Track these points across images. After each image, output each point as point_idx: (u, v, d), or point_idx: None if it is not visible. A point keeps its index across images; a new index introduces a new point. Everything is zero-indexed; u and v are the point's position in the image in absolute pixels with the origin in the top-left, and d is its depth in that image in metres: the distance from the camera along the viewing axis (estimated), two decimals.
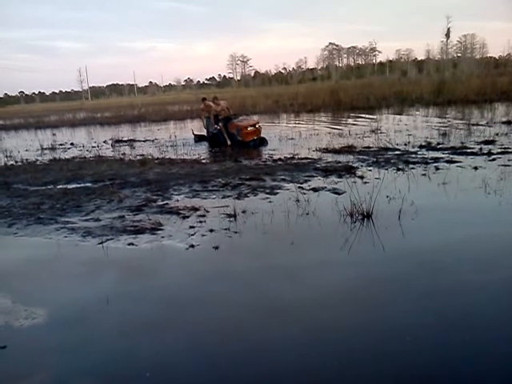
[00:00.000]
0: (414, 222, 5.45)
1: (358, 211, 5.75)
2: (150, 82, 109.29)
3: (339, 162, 9.10)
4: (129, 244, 5.40)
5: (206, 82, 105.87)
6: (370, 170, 8.26)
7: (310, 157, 10.02)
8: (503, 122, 13.36)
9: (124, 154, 13.13)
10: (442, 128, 12.88)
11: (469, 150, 9.33)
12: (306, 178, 8.02)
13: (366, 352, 3.11)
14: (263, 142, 12.87)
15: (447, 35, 58.85)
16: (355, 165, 8.77)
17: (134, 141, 16.54)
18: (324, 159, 9.63)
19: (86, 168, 10.76)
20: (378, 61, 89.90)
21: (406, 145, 10.60)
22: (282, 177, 8.26)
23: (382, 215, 5.70)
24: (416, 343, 3.15)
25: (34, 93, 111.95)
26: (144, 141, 16.40)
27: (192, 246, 5.19)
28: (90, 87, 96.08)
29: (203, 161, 10.97)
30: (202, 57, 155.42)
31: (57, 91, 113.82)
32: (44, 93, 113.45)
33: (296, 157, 10.12)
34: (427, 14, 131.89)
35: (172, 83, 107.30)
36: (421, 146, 10.27)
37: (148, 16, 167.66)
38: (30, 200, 7.87)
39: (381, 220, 5.59)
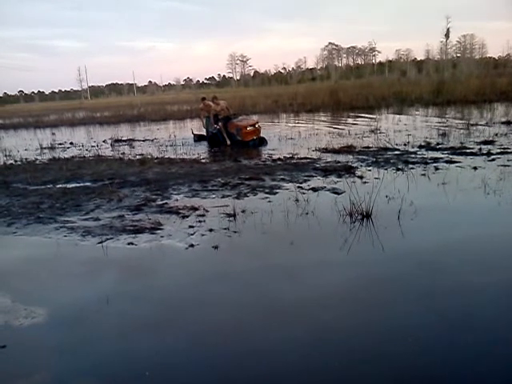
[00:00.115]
0: (413, 222, 5.46)
1: (358, 211, 5.75)
2: (150, 82, 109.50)
3: (339, 162, 9.10)
4: (128, 243, 5.40)
5: (205, 81, 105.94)
6: (370, 170, 8.26)
7: (309, 157, 10.03)
8: (502, 123, 13.37)
9: (123, 153, 13.12)
10: (442, 128, 12.89)
11: (468, 150, 9.34)
12: (306, 178, 8.03)
13: (366, 353, 3.11)
14: (263, 141, 12.86)
15: (447, 35, 58.94)
16: (355, 165, 8.78)
17: (133, 140, 16.52)
18: (323, 159, 9.63)
19: (86, 167, 10.75)
20: (377, 61, 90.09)
21: (405, 145, 10.61)
22: (282, 176, 8.26)
23: (381, 215, 5.70)
24: (416, 344, 3.16)
25: (33, 92, 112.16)
26: (143, 140, 16.38)
27: (191, 245, 5.19)
28: (89, 86, 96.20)
29: (203, 160, 10.97)
30: (202, 56, 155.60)
31: (56, 90, 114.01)
32: (43, 92, 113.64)
33: (295, 156, 10.12)
34: (427, 14, 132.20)
35: (171, 83, 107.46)
36: (420, 146, 10.28)
37: (147, 15, 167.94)
38: (30, 199, 7.86)
39: (380, 220, 5.60)
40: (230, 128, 12.92)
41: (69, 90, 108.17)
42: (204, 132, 14.63)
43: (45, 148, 15.70)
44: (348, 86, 34.52)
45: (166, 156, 11.82)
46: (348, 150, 10.47)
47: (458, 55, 69.06)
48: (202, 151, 12.65)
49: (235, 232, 5.57)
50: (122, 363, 3.25)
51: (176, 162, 10.73)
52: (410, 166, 8.35)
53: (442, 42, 62.78)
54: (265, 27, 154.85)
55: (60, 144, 16.91)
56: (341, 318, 3.60)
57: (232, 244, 5.26)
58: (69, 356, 3.34)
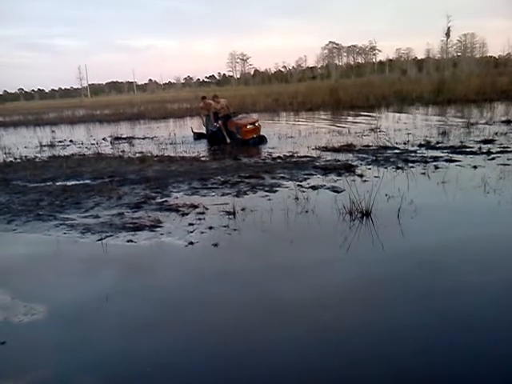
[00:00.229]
0: (413, 220, 5.46)
1: (357, 209, 5.75)
2: (150, 80, 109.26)
3: (338, 161, 9.10)
4: (128, 241, 5.40)
5: (205, 80, 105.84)
6: (370, 169, 8.26)
7: (309, 155, 10.02)
8: (503, 122, 13.36)
9: (123, 151, 13.11)
10: (442, 127, 12.88)
11: (468, 149, 9.34)
12: (306, 176, 8.03)
13: (366, 352, 3.10)
14: (262, 140, 12.86)
15: (447, 34, 58.74)
16: (354, 163, 8.78)
17: (133, 138, 16.52)
18: (323, 157, 9.63)
19: (85, 165, 10.75)
20: (377, 60, 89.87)
21: (405, 143, 10.60)
22: (282, 175, 8.26)
23: (381, 214, 5.70)
24: (416, 344, 3.16)
25: (33, 90, 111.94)
26: (143, 138, 16.38)
27: (191, 243, 5.19)
28: (89, 84, 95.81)
29: (202, 158, 10.96)
30: (202, 55, 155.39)
31: (56, 88, 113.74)
32: (43, 90, 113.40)
33: (295, 155, 10.12)
34: (427, 13, 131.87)
35: (171, 81, 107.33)
36: (420, 145, 10.28)
37: (147, 13, 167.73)
38: (29, 197, 7.86)
39: (380, 218, 5.59)
40: (230, 126, 12.92)
41: (69, 88, 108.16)
42: (204, 130, 14.63)
43: (44, 146, 15.70)
44: (348, 84, 34.52)
45: (166, 154, 11.82)
46: (348, 148, 10.46)
47: (459, 54, 68.97)
48: (201, 149, 12.65)
49: (235, 230, 5.57)
50: (121, 360, 3.25)
51: (176, 160, 10.73)
52: (410, 164, 8.35)
53: (442, 40, 62.56)
54: (265, 26, 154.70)
55: (60, 142, 16.91)
56: (341, 317, 3.59)
57: (232, 242, 5.26)
58: (68, 353, 3.34)
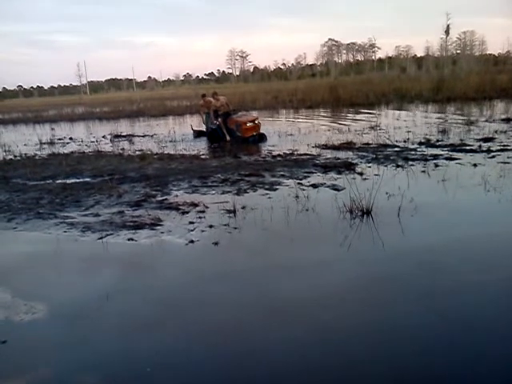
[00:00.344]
0: (413, 218, 5.46)
1: (358, 208, 5.75)
2: (149, 77, 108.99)
3: (338, 159, 9.10)
4: (128, 239, 5.40)
5: (205, 77, 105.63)
6: (370, 167, 8.26)
7: (309, 153, 10.02)
8: (502, 120, 13.36)
9: (123, 149, 13.10)
10: (442, 125, 12.88)
11: (468, 147, 9.33)
12: (306, 174, 8.02)
13: (366, 353, 3.11)
14: (262, 137, 12.85)
15: (447, 32, 58.63)
16: (354, 161, 8.78)
17: (132, 136, 16.50)
18: (323, 155, 9.63)
19: (85, 163, 10.74)
20: (377, 57, 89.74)
21: (405, 141, 10.59)
22: (282, 173, 8.26)
23: (381, 212, 5.70)
24: (416, 344, 3.17)
25: (32, 87, 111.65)
26: (143, 136, 16.37)
27: (192, 241, 5.19)
28: (88, 82, 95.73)
29: (202, 156, 10.96)
30: (201, 52, 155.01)
31: (55, 85, 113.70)
32: (42, 87, 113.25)
33: (295, 153, 10.12)
34: (427, 10, 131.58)
35: (171, 78, 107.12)
36: (420, 143, 10.27)
37: (147, 10, 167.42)
38: (29, 195, 7.86)
39: (380, 217, 5.60)
40: (230, 124, 12.92)
41: (68, 85, 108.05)
42: (204, 128, 14.61)
43: (44, 143, 15.68)
44: (348, 82, 34.46)
45: (166, 152, 11.81)
46: (348, 146, 10.46)
47: (458, 52, 68.90)
48: (201, 147, 12.64)
49: (235, 228, 5.57)
50: (121, 360, 3.26)
51: (176, 157, 10.73)
52: (410, 162, 8.35)
53: (441, 38, 62.43)
54: (265, 23, 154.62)
55: (59, 139, 16.90)
56: (341, 317, 3.59)
57: (232, 240, 5.26)
58: (68, 352, 3.34)
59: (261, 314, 3.71)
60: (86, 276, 4.67)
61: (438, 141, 10.41)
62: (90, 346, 3.42)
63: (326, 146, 10.66)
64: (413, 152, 9.29)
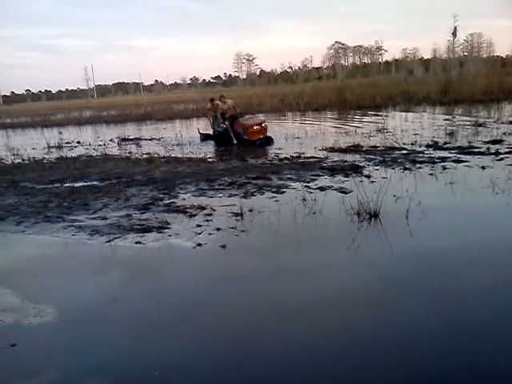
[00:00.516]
0: (421, 221, 5.43)
1: (365, 210, 5.73)
2: (156, 81, 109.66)
3: (346, 161, 9.08)
4: (136, 242, 5.41)
5: (211, 80, 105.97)
6: (377, 170, 8.24)
7: (316, 156, 10.01)
8: (511, 122, 13.26)
9: (130, 152, 13.16)
10: (449, 127, 12.82)
11: (476, 150, 9.28)
12: (313, 177, 8.01)
13: (377, 356, 3.10)
14: (269, 140, 12.85)
15: (454, 34, 58.62)
16: (362, 164, 8.76)
17: (140, 139, 16.57)
18: (330, 158, 9.61)
19: (93, 166, 10.80)
20: (383, 60, 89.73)
21: (412, 144, 10.56)
22: (289, 176, 8.25)
23: (389, 215, 5.68)
24: (427, 347, 3.15)
25: (40, 91, 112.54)
26: (150, 139, 16.42)
27: (199, 244, 5.20)
28: (95, 85, 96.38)
29: (209, 159, 10.98)
30: (208, 55, 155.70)
31: (63, 89, 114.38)
32: (50, 91, 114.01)
33: (302, 156, 10.11)
34: (434, 12, 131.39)
35: (178, 82, 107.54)
36: (428, 146, 10.23)
37: (154, 14, 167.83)
38: (38, 198, 7.91)
39: (388, 219, 5.58)
40: (237, 127, 12.93)
41: (75, 89, 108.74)
42: (210, 131, 14.64)
43: (52, 147, 15.78)
44: (354, 85, 34.39)
45: (173, 155, 11.85)
46: (355, 149, 10.43)
47: (466, 54, 68.73)
48: (208, 150, 12.66)
49: (243, 231, 5.57)
50: (129, 363, 3.26)
51: (183, 161, 10.75)
52: (418, 165, 8.31)
53: (449, 40, 62.52)
54: (271, 26, 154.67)
55: (67, 143, 16.98)
56: (350, 320, 3.58)
57: (239, 243, 5.26)
58: (77, 355, 3.35)
59: (269, 317, 3.70)
60: (94, 279, 4.69)
61: (445, 143, 10.36)
62: (98, 349, 3.43)
63: (333, 149, 10.64)
64: (420, 155, 9.25)
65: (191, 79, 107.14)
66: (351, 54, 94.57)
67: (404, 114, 19.04)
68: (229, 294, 4.14)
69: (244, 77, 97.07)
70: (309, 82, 60.63)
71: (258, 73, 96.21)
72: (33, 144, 17.33)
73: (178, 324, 3.68)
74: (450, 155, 9.01)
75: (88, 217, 6.57)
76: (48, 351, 3.45)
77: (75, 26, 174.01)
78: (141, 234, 5.66)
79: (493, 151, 9.01)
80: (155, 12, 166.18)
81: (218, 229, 5.67)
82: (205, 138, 14.74)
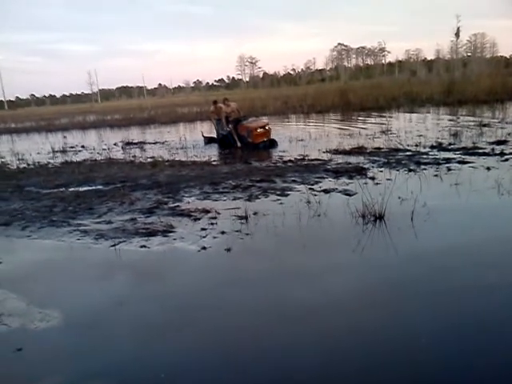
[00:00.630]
0: (426, 223, 5.41)
1: (370, 212, 5.72)
2: (160, 84, 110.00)
3: (350, 163, 9.06)
4: (141, 246, 5.42)
5: (214, 83, 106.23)
6: (381, 171, 8.22)
7: (320, 158, 10.00)
8: None
9: (134, 156, 13.19)
10: (453, 128, 12.78)
11: (481, 151, 9.25)
12: (317, 180, 8.00)
13: (383, 359, 3.09)
14: (273, 143, 12.85)
15: (457, 35, 58.45)
16: (366, 166, 8.74)
17: (144, 143, 16.61)
18: (334, 160, 9.60)
19: (97, 170, 10.83)
20: (387, 61, 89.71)
21: (417, 145, 10.53)
22: (293, 178, 8.25)
23: (394, 216, 5.66)
24: (434, 349, 3.13)
25: (44, 96, 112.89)
26: (154, 143, 16.46)
27: (204, 248, 5.20)
28: (99, 90, 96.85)
29: (213, 163, 10.98)
30: (211, 58, 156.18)
31: (67, 94, 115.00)
32: (55, 96, 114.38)
33: (306, 158, 10.10)
34: (437, 13, 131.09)
35: (181, 85, 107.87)
36: (432, 147, 10.20)
37: (156, 18, 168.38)
38: (43, 203, 7.93)
39: (393, 221, 5.56)
40: (241, 130, 12.94)
41: (79, 93, 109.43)
42: (214, 134, 14.66)
43: (57, 151, 15.84)
44: (358, 86, 34.39)
45: (177, 158, 11.86)
46: (359, 151, 10.42)
47: (469, 54, 68.50)
48: (212, 153, 12.68)
49: (247, 234, 5.57)
50: (135, 367, 3.25)
51: (187, 164, 10.77)
52: (422, 166, 8.29)
53: (452, 41, 62.34)
54: (274, 28, 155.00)
55: (71, 147, 17.05)
56: (355, 323, 3.56)
57: (244, 246, 5.26)
58: (82, 360, 3.36)
59: (274, 320, 3.69)
60: (99, 283, 4.69)
61: (450, 144, 10.33)
62: (104, 353, 3.44)
63: (336, 151, 10.62)
64: (425, 156, 9.22)
65: (194, 82, 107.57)
66: (354, 56, 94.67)
67: (408, 115, 19.02)
68: (234, 297, 4.14)
69: (247, 79, 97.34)
70: (312, 84, 60.63)
71: (261, 75, 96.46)
72: (37, 148, 17.41)
73: (183, 327, 3.68)
74: (454, 156, 8.98)
75: (93, 221, 6.59)
76: (53, 355, 3.46)
77: (79, 31, 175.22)
78: (146, 238, 5.67)
79: (498, 152, 8.97)
80: (158, 16, 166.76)
81: (223, 232, 5.67)
82: (209, 141, 14.77)
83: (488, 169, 7.70)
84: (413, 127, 14.25)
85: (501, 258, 4.51)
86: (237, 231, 5.67)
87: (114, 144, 17.06)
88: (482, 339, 3.18)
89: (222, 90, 79.32)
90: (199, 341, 3.48)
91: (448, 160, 8.65)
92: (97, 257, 5.30)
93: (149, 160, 11.95)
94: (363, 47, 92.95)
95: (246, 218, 6.11)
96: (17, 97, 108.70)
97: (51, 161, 13.49)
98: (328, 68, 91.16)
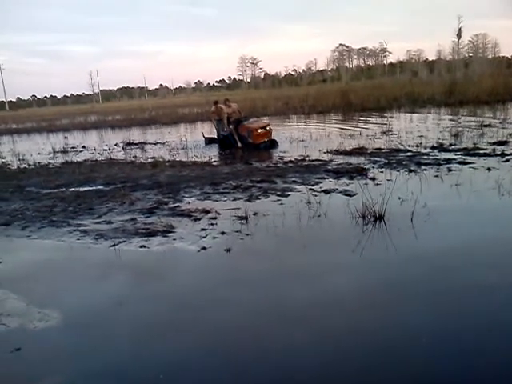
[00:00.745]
0: (426, 224, 5.40)
1: (370, 213, 5.71)
2: (161, 85, 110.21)
3: (350, 164, 9.05)
4: (141, 246, 5.41)
5: (216, 84, 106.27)
6: (382, 172, 8.21)
7: (320, 159, 9.98)
8: None
9: (135, 156, 13.19)
10: (454, 129, 12.75)
11: (481, 151, 9.23)
12: (317, 180, 7.99)
13: (383, 358, 3.08)
14: (274, 144, 12.84)
15: (458, 35, 58.53)
16: (366, 166, 8.72)
17: (144, 143, 16.60)
18: (335, 161, 9.59)
19: (98, 171, 10.83)
20: (388, 61, 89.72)
21: (417, 146, 10.51)
22: (293, 179, 8.24)
23: (394, 217, 5.65)
24: (433, 349, 3.12)
25: (45, 96, 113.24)
26: (155, 143, 16.45)
27: (204, 248, 5.19)
28: (100, 90, 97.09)
29: (214, 163, 10.98)
30: (212, 59, 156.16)
31: (68, 95, 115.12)
32: (56, 96, 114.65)
33: (307, 159, 10.09)
34: (438, 13, 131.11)
35: (182, 86, 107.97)
36: (433, 148, 10.18)
37: (158, 19, 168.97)
38: (43, 203, 7.93)
39: (393, 222, 5.55)
40: (241, 130, 12.93)
41: (81, 94, 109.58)
42: (215, 135, 14.65)
43: (57, 152, 15.84)
44: (359, 87, 34.36)
45: (178, 159, 11.86)
46: (360, 151, 10.41)
47: (471, 55, 68.53)
48: (213, 154, 12.66)
49: (247, 235, 5.56)
50: (135, 367, 3.25)
51: (187, 164, 10.76)
52: (423, 167, 8.28)
53: (453, 41, 62.41)
54: (275, 29, 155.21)
55: (72, 148, 17.05)
56: (355, 323, 3.56)
57: (244, 247, 5.25)
58: (81, 360, 3.35)
59: (274, 321, 3.69)
60: (98, 283, 4.69)
61: (450, 145, 10.31)
62: (103, 353, 3.43)
63: (337, 152, 10.61)
64: (425, 156, 9.21)
65: (196, 83, 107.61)
66: (355, 57, 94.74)
67: (409, 115, 19.01)
68: (234, 297, 4.13)
69: (248, 80, 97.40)
70: (313, 85, 60.55)
71: (262, 76, 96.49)
72: (38, 149, 17.41)
73: (182, 327, 3.68)
74: (455, 157, 8.96)
75: (93, 221, 6.59)
76: (53, 355, 3.45)
77: (80, 32, 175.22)
78: (146, 238, 5.66)
79: (498, 153, 8.95)
80: (159, 17, 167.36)
81: (223, 232, 5.66)
82: (209, 141, 14.75)
83: (489, 169, 7.68)
84: (414, 128, 14.23)
85: (501, 258, 4.50)
86: (237, 231, 5.66)
87: (115, 144, 17.06)
88: (482, 339, 3.18)
89: (223, 91, 79.34)
90: (199, 341, 3.47)
91: (449, 161, 8.63)
92: (96, 257, 5.30)
93: (149, 160, 11.95)
94: (364, 48, 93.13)
95: (246, 218, 6.10)
96: (18, 98, 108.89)
97: (52, 161, 13.50)
98: (329, 69, 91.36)
